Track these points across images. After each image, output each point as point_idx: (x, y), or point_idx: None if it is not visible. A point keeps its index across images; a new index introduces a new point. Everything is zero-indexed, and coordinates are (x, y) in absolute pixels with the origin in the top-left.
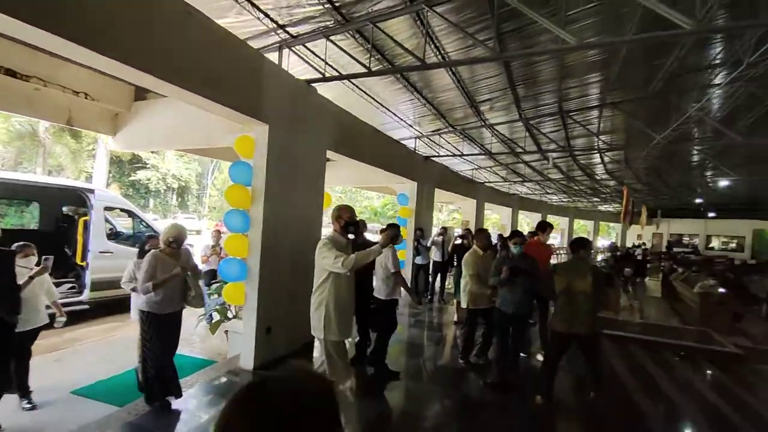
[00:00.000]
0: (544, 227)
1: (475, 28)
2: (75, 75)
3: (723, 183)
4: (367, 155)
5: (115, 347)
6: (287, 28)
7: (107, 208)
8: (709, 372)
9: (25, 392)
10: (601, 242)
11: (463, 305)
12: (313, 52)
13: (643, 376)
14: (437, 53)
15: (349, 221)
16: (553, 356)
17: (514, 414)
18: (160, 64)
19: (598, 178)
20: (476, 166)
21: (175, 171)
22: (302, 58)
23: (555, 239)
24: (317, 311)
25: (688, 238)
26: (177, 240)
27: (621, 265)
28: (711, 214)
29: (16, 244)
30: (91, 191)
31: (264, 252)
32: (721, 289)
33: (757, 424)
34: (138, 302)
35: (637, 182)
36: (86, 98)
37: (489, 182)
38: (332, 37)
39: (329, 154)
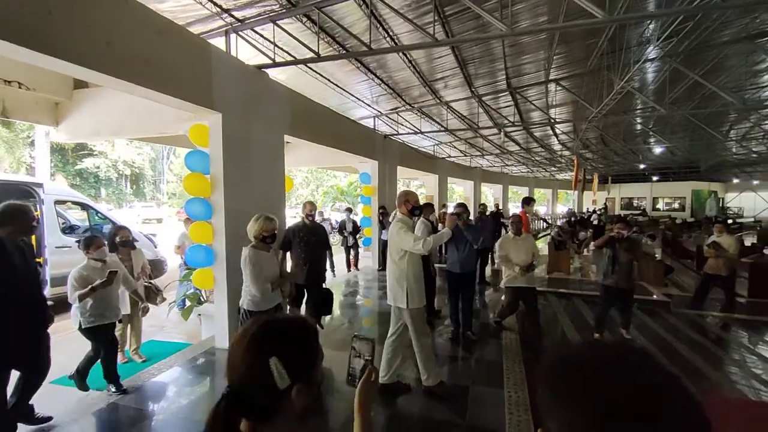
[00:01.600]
0: (528, 201)
1: (420, 11)
2: (5, 63)
3: (658, 150)
4: (325, 137)
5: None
6: (233, 12)
7: (58, 202)
8: (639, 317)
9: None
10: (560, 209)
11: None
12: (263, 36)
13: (581, 323)
14: (386, 36)
15: (415, 205)
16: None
17: (470, 363)
18: (96, 57)
19: (554, 149)
20: (437, 142)
21: (126, 157)
22: (251, 43)
23: (517, 208)
24: (399, 285)
25: (637, 201)
26: (272, 235)
27: (576, 229)
28: (655, 178)
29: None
30: (39, 185)
31: (228, 237)
32: (657, 249)
33: (674, 357)
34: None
35: (587, 151)
36: (20, 87)
37: (450, 157)
38: (281, 22)
39: (287, 137)
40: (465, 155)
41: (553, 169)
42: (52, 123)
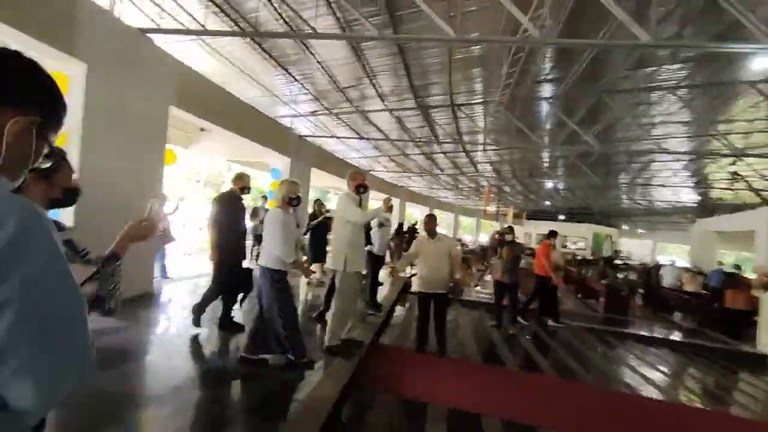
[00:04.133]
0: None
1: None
2: None
3: (555, 185)
4: (224, 119)
5: None
6: None
7: None
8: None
9: None
10: (483, 237)
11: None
12: (153, 2)
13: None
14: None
15: (360, 184)
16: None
17: None
18: None
19: (469, 174)
20: (363, 155)
21: None
22: (134, 4)
23: (445, 231)
24: (339, 250)
25: None
26: (297, 197)
27: (487, 253)
28: (561, 217)
29: None
30: None
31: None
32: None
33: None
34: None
35: (505, 184)
36: None
37: (374, 171)
38: None
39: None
40: (388, 171)
41: (477, 199)
42: None
